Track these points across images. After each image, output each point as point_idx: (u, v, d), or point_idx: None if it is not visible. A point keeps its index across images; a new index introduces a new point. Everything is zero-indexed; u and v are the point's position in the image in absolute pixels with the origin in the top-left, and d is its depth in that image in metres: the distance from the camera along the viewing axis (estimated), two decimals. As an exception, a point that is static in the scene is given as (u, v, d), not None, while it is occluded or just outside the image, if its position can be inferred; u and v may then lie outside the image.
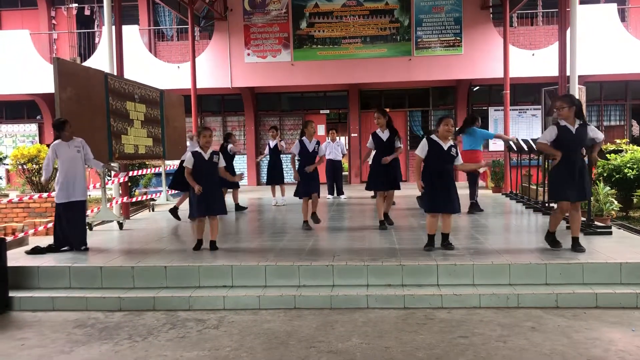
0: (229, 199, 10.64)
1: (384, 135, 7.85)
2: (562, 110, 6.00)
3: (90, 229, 8.62)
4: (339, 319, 4.99)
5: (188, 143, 11.64)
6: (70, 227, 6.89)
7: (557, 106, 6.07)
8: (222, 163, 6.86)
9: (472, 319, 4.91)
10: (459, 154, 6.40)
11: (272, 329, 4.78)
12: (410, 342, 4.38)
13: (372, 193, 12.02)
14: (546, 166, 9.21)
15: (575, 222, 6.20)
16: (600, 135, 6.22)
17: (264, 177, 17.99)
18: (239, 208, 10.72)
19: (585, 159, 6.39)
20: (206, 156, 6.65)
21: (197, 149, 6.72)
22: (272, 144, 11.51)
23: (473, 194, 9.62)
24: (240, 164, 17.71)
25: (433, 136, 6.36)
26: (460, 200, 6.43)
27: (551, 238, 6.30)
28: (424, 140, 6.38)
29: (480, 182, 10.26)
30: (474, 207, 9.55)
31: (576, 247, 6.10)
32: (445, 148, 6.26)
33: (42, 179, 7.08)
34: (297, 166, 8.26)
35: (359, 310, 5.24)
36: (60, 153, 6.87)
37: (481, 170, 9.59)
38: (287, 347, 4.34)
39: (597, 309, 5.13)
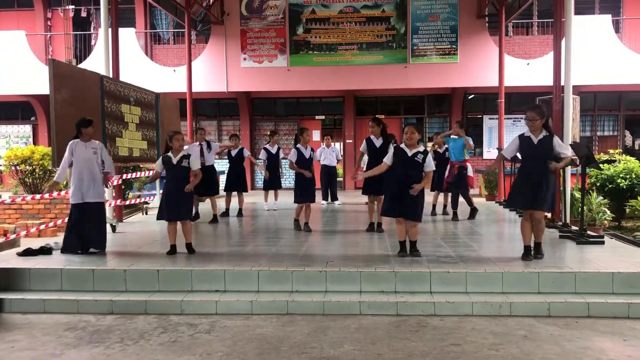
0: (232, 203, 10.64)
1: (378, 142, 8.02)
2: (535, 122, 6.09)
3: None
4: (332, 325, 4.99)
5: (186, 146, 11.57)
6: (88, 229, 6.81)
7: (529, 117, 6.14)
8: (196, 166, 6.84)
9: (465, 327, 4.91)
10: (429, 161, 6.34)
11: (264, 335, 4.77)
12: (403, 349, 4.37)
13: (366, 199, 12.01)
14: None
15: (536, 229, 6.22)
16: (566, 152, 6.18)
17: (258, 182, 17.99)
18: (240, 214, 10.64)
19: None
20: (175, 160, 6.67)
21: (169, 153, 6.75)
22: (272, 150, 11.46)
23: (455, 204, 9.66)
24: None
25: (402, 144, 6.46)
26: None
27: (525, 250, 6.30)
28: (392, 148, 6.63)
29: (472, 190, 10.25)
30: (454, 216, 9.60)
31: (537, 252, 6.23)
32: (410, 154, 6.31)
33: (55, 179, 6.97)
34: (295, 174, 8.39)
35: (352, 317, 5.24)
36: (75, 152, 6.77)
37: (470, 174, 9.59)
38: (279, 353, 4.33)
39: (589, 318, 5.14)
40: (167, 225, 6.82)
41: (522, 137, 6.26)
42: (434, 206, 10.44)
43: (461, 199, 9.73)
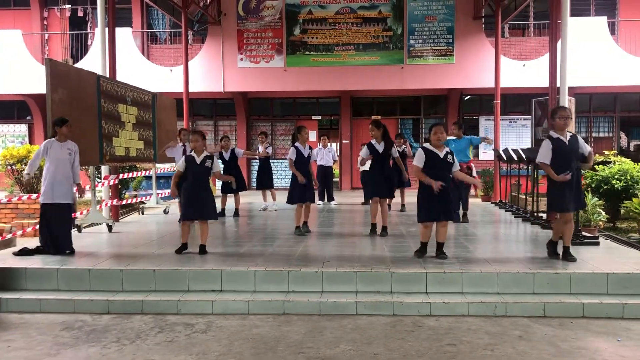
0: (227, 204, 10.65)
1: (380, 147, 7.91)
2: (569, 120, 6.08)
3: (79, 231, 8.59)
4: (328, 325, 5.00)
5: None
6: (56, 229, 6.80)
7: (564, 115, 6.06)
8: (217, 167, 6.88)
9: (460, 327, 4.93)
10: (456, 160, 6.39)
11: (260, 334, 4.78)
12: (398, 349, 4.39)
13: (362, 199, 12.07)
14: (535, 176, 9.30)
15: (569, 232, 6.26)
16: (588, 149, 6.24)
17: (253, 182, 17.98)
18: (236, 213, 10.66)
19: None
20: (198, 160, 6.67)
21: (192, 153, 6.73)
22: (261, 149, 11.50)
23: (457, 206, 9.67)
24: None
25: (428, 145, 6.37)
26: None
27: (553, 247, 6.33)
28: (420, 150, 6.37)
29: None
30: (464, 217, 9.61)
31: (567, 256, 6.16)
32: (442, 156, 6.27)
33: (24, 173, 6.97)
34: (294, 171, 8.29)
35: (348, 317, 5.25)
36: (50, 152, 6.79)
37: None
38: (275, 353, 4.34)
39: (583, 319, 5.17)
40: (182, 224, 6.83)
41: (553, 139, 6.12)
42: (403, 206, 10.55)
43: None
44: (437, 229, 6.36)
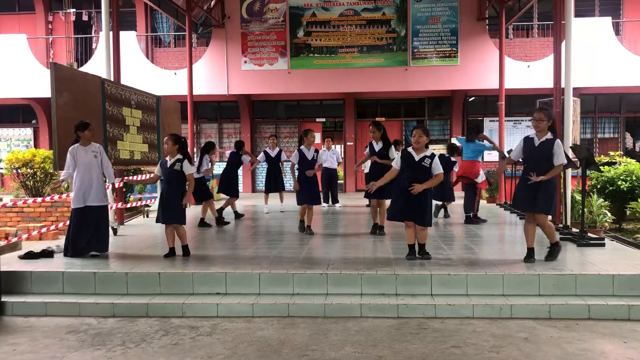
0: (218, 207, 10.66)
1: (377, 146, 8.11)
2: (541, 123, 6.06)
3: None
4: (333, 328, 5.00)
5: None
6: (93, 232, 6.81)
7: (536, 117, 6.10)
8: (188, 170, 6.79)
9: (465, 329, 4.92)
10: (436, 166, 6.25)
11: (265, 337, 4.78)
12: (404, 352, 4.38)
13: (367, 202, 12.06)
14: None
15: (528, 233, 6.30)
16: (559, 159, 5.99)
17: (258, 184, 18.00)
18: (238, 216, 10.66)
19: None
20: (168, 163, 6.69)
21: (166, 157, 6.78)
22: (272, 153, 11.52)
23: (470, 208, 9.63)
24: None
25: (409, 148, 6.42)
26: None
27: (528, 252, 6.31)
28: (399, 152, 6.57)
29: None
30: (470, 220, 9.57)
31: (526, 258, 6.21)
32: (417, 159, 6.27)
33: (61, 177, 6.96)
34: (296, 175, 8.35)
35: (353, 319, 5.25)
36: (77, 157, 6.77)
37: (478, 180, 9.64)
38: (280, 355, 4.34)
39: (589, 320, 5.15)
40: (165, 228, 6.85)
41: (526, 139, 6.28)
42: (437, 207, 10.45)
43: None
44: (416, 231, 6.42)
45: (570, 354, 4.30)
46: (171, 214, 6.73)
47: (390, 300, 5.43)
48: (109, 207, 9.65)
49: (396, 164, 6.50)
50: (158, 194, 11.81)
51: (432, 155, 6.31)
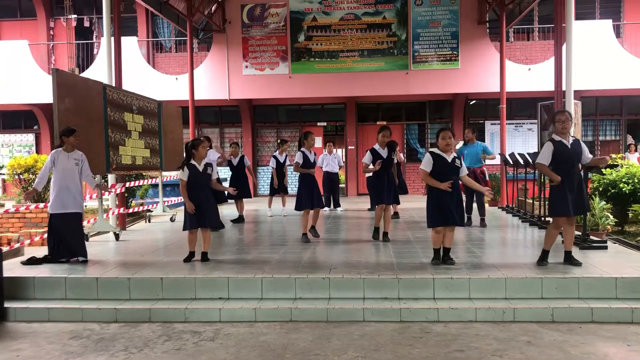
0: (228, 210, 10.70)
1: (384, 152, 7.92)
2: (567, 123, 6.02)
3: (87, 239, 8.61)
4: (335, 332, 4.99)
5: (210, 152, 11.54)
6: (68, 238, 6.85)
7: (561, 119, 6.03)
8: (214, 175, 6.90)
9: (468, 333, 4.91)
10: (464, 165, 6.40)
11: (268, 342, 4.78)
12: (407, 356, 4.38)
13: (368, 205, 12.07)
14: (542, 180, 9.26)
15: (569, 236, 6.22)
16: (590, 156, 6.18)
17: (261, 188, 18.01)
18: (240, 220, 10.69)
19: (582, 173, 6.43)
20: (200, 168, 6.68)
21: (193, 161, 6.72)
22: (281, 158, 11.58)
23: (470, 209, 9.62)
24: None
25: (436, 150, 6.35)
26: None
27: (544, 255, 6.24)
28: (428, 155, 6.38)
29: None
30: (482, 222, 9.58)
31: (571, 260, 6.13)
32: (449, 160, 6.26)
33: (34, 186, 7.02)
34: (300, 176, 8.33)
35: (356, 324, 5.24)
36: (57, 162, 6.82)
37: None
38: (283, 360, 4.34)
39: (592, 324, 5.14)
40: (189, 233, 6.79)
41: (555, 142, 6.08)
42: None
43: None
44: (445, 234, 6.32)
45: (573, 357, 4.29)
46: (213, 218, 6.79)
47: (392, 305, 5.43)
48: (112, 212, 9.73)
49: (427, 166, 6.28)
50: (160, 199, 11.86)
51: (459, 156, 6.49)
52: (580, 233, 7.56)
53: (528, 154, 10.27)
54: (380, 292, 5.64)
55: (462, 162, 6.42)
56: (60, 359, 4.49)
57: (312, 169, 8.20)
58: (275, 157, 11.66)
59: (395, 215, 10.94)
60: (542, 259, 6.20)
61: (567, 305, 5.31)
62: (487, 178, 9.85)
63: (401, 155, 10.46)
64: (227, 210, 10.77)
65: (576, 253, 6.85)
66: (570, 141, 6.07)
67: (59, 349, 4.74)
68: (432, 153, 6.35)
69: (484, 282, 5.62)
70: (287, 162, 11.84)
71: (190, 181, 6.62)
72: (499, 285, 5.60)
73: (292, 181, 16.38)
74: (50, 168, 6.86)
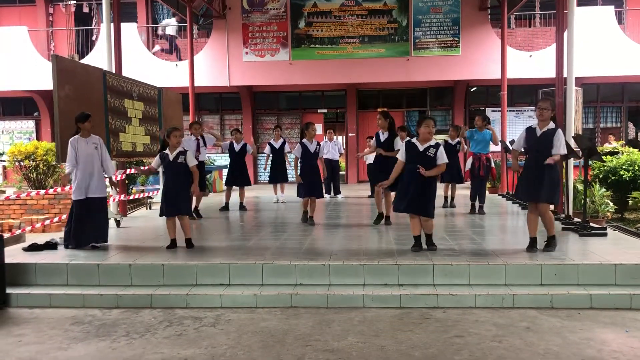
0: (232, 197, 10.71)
1: (383, 136, 8.06)
2: (545, 112, 6.06)
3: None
4: (336, 318, 5.02)
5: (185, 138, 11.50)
6: (95, 223, 6.86)
7: (541, 106, 6.11)
8: (191, 162, 6.84)
9: (468, 319, 4.94)
10: (441, 156, 6.24)
11: (268, 328, 4.81)
12: (406, 341, 4.41)
13: (369, 192, 12.10)
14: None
15: (531, 223, 6.28)
16: (558, 150, 6.01)
17: (260, 175, 18.02)
18: (242, 207, 10.70)
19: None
20: (171, 157, 6.70)
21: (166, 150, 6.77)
22: (276, 144, 11.55)
23: (474, 196, 9.61)
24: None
25: (414, 139, 6.37)
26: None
27: (531, 242, 6.29)
28: (403, 144, 6.49)
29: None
30: (481, 210, 9.58)
31: (529, 248, 6.21)
32: (421, 149, 6.24)
33: (66, 172, 6.97)
34: (299, 168, 8.38)
35: (355, 309, 5.27)
36: (78, 149, 6.79)
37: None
38: (283, 346, 4.37)
39: (591, 310, 5.17)
40: (166, 220, 6.85)
41: (528, 129, 6.29)
42: (445, 198, 10.44)
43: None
44: (421, 221, 6.37)
45: (572, 343, 4.32)
46: (182, 206, 6.81)
47: (392, 291, 5.45)
48: (112, 199, 9.74)
49: (401, 156, 6.44)
50: (161, 187, 11.86)
51: (437, 145, 6.29)
52: (580, 220, 7.58)
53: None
54: (380, 279, 5.66)
55: (440, 151, 6.24)
56: (62, 344, 4.52)
57: (313, 160, 8.28)
58: (270, 144, 11.65)
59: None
60: (531, 246, 6.25)
61: (566, 291, 5.33)
62: (493, 165, 9.84)
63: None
64: (217, 198, 10.79)
65: (576, 240, 6.91)
66: (544, 130, 6.09)
67: (61, 334, 4.77)
68: (407, 142, 6.44)
69: (483, 269, 5.64)
70: (287, 149, 11.80)
71: (163, 169, 6.82)
72: (498, 271, 5.62)
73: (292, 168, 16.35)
74: (74, 154, 6.77)
